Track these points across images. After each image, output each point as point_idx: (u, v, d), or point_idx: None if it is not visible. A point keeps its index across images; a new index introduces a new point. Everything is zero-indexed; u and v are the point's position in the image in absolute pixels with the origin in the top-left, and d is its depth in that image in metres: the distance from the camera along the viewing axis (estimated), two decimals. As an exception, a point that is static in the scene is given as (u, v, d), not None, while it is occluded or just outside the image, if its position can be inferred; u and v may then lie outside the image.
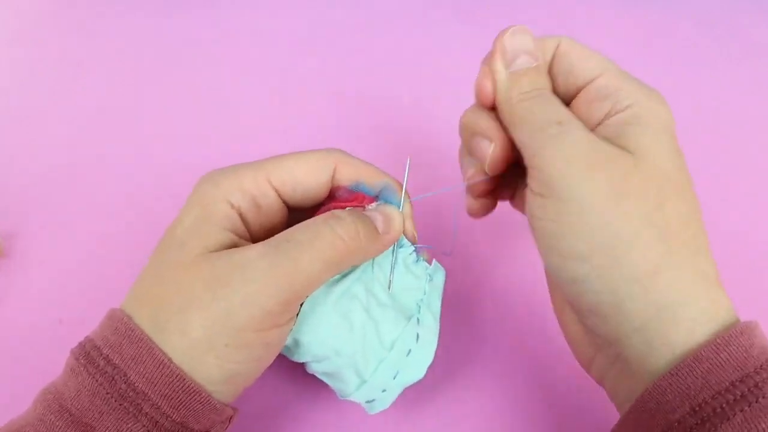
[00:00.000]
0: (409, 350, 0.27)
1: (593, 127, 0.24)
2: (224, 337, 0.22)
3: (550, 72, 0.26)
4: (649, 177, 0.22)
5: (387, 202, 0.27)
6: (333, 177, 0.26)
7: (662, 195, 0.22)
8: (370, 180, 0.27)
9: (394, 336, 0.27)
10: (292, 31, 0.58)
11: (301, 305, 0.25)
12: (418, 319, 0.28)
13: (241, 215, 0.25)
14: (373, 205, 0.27)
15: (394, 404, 0.27)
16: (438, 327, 0.28)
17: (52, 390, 0.23)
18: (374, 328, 0.26)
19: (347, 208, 0.26)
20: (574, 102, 0.26)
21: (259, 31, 0.58)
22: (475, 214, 0.30)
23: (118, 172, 0.44)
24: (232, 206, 0.24)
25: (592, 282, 0.22)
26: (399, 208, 0.27)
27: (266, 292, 0.22)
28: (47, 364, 0.31)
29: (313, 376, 0.28)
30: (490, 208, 0.30)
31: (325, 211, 0.26)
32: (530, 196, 0.24)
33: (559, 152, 0.22)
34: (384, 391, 0.27)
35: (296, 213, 0.27)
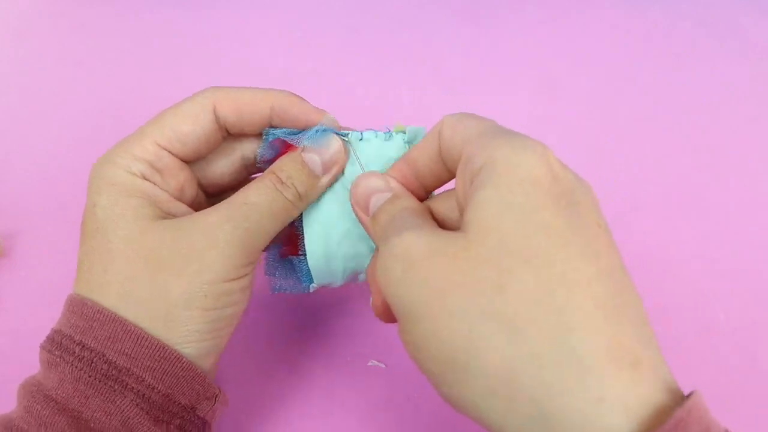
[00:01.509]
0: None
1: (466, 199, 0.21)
2: (202, 289, 0.23)
3: (447, 165, 0.24)
4: (483, 258, 0.18)
5: (313, 130, 0.27)
6: (216, 117, 0.26)
7: (499, 277, 0.18)
8: (256, 107, 0.27)
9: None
10: (292, 30, 0.58)
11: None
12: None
13: (145, 179, 0.25)
14: (303, 143, 0.26)
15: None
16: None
17: (34, 383, 0.23)
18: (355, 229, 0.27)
19: (284, 157, 0.27)
20: (456, 182, 0.23)
21: (259, 30, 0.58)
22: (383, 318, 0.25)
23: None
24: (135, 175, 0.25)
25: (463, 406, 0.19)
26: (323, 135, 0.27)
27: (233, 250, 0.24)
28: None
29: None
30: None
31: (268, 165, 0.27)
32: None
33: (378, 264, 0.21)
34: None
35: (198, 164, 0.28)
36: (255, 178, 0.28)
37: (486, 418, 0.18)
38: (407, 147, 0.28)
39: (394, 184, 0.25)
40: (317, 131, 0.27)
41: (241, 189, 0.26)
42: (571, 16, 0.59)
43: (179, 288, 0.23)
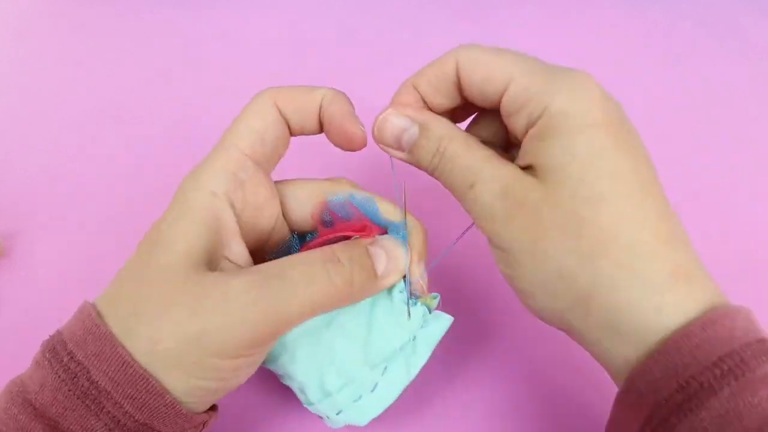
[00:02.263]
0: (360, 396, 0.26)
1: (521, 141, 0.23)
2: (193, 356, 0.21)
3: (464, 93, 0.25)
4: (560, 206, 0.22)
5: (395, 231, 0.26)
6: (280, 113, 0.26)
7: (577, 221, 0.21)
8: (309, 101, 0.26)
9: (351, 376, 0.26)
10: (291, 29, 0.58)
11: None
12: (385, 368, 0.26)
13: (228, 199, 0.24)
14: (378, 237, 0.25)
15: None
16: (408, 380, 0.26)
17: (18, 382, 0.23)
18: (337, 367, 0.26)
19: (349, 242, 0.24)
20: (504, 120, 0.24)
21: (258, 29, 0.58)
22: None
23: (119, 172, 0.44)
24: (216, 196, 0.24)
25: (545, 312, 0.24)
26: (403, 237, 0.26)
27: (245, 326, 0.22)
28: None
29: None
30: None
31: (325, 238, 0.25)
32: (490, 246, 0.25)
33: (480, 215, 0.23)
34: (328, 417, 0.27)
35: (286, 201, 0.27)
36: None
37: (569, 326, 0.23)
38: (418, 332, 0.27)
39: (416, 115, 0.25)
40: (396, 233, 0.25)
41: (290, 256, 0.24)
42: (571, 16, 0.59)
43: (171, 343, 0.21)
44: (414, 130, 0.25)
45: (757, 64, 0.54)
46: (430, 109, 0.26)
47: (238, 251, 0.25)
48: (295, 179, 0.27)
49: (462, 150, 0.24)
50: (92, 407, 0.21)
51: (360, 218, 0.26)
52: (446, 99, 0.25)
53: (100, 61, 0.54)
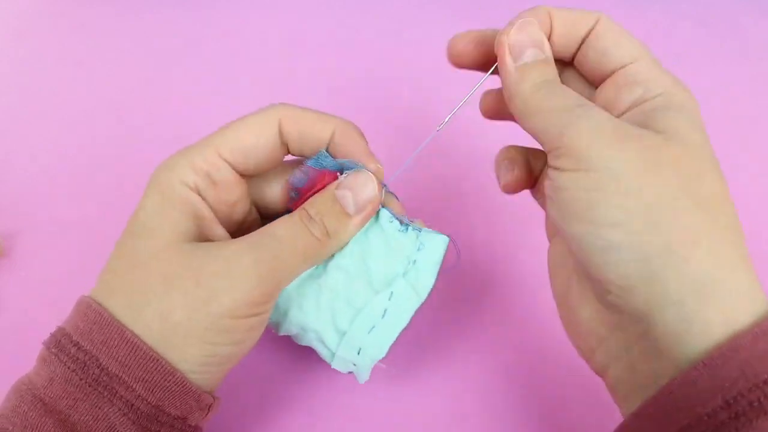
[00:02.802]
0: (373, 326, 0.26)
1: (619, 114, 0.24)
2: (205, 321, 0.22)
3: (582, 49, 0.26)
4: (681, 152, 0.22)
5: (352, 167, 0.26)
6: (281, 133, 0.26)
7: (697, 169, 0.22)
8: (317, 130, 0.26)
9: (359, 306, 0.26)
10: (292, 29, 0.58)
11: None
12: (391, 293, 0.26)
13: (199, 194, 0.25)
14: (340, 176, 0.26)
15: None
16: (418, 302, 0.27)
17: (25, 381, 0.23)
18: (344, 301, 0.26)
19: (318, 194, 0.26)
20: (602, 84, 0.25)
21: (258, 29, 0.58)
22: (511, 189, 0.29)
23: (119, 172, 0.44)
24: (189, 187, 0.25)
25: (626, 250, 0.21)
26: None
27: (248, 283, 0.23)
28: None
29: (300, 357, 0.29)
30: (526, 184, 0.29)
31: (301, 203, 0.26)
32: (556, 174, 0.23)
33: (588, 128, 0.22)
34: (355, 365, 0.27)
35: (257, 182, 0.28)
36: None
37: (655, 273, 0.20)
38: (416, 255, 0.27)
39: (547, 45, 0.25)
40: (355, 168, 0.26)
41: (270, 223, 0.25)
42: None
43: (182, 313, 0.22)
44: (539, 53, 0.25)
45: (757, 64, 0.54)
46: None
47: (221, 234, 0.26)
48: (230, 124, 0.27)
49: (569, 88, 0.24)
50: (105, 394, 0.22)
51: (317, 175, 0.26)
52: (566, 45, 0.26)
53: (101, 61, 0.54)
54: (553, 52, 0.25)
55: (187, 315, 0.22)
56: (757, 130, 0.48)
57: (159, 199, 0.24)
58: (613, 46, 0.25)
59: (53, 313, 0.33)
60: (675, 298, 0.20)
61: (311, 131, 0.26)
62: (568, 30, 0.25)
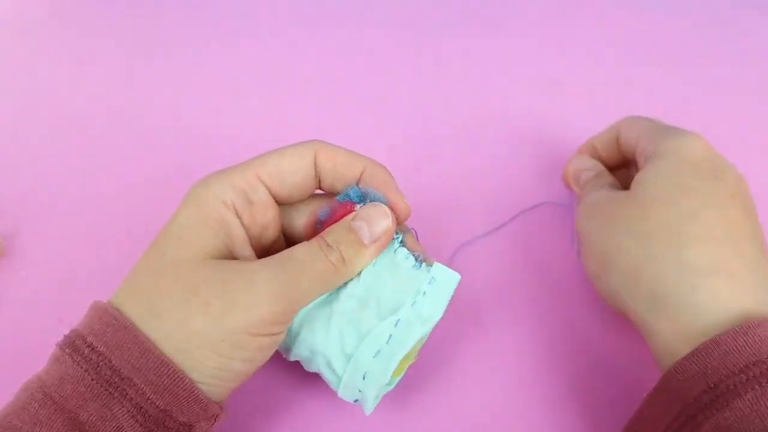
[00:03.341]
0: (378, 351, 0.26)
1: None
2: (221, 333, 0.23)
3: (623, 151, 0.35)
4: (634, 201, 0.29)
5: (374, 200, 0.27)
6: (316, 165, 0.28)
7: (643, 210, 0.28)
8: (349, 167, 0.28)
9: (365, 330, 0.26)
10: (297, 33, 0.58)
11: None
12: (398, 320, 0.26)
13: (235, 212, 0.26)
14: (357, 207, 0.27)
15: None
16: (424, 331, 0.27)
17: (35, 380, 0.23)
18: (353, 326, 0.26)
19: (335, 225, 0.27)
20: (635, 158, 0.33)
21: (263, 31, 0.58)
22: None
23: (120, 173, 0.44)
24: (226, 205, 0.26)
25: (605, 291, 0.30)
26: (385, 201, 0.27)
27: (267, 300, 0.24)
28: (47, 364, 0.31)
29: (307, 378, 0.29)
30: None
31: (324, 228, 0.27)
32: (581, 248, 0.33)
33: (582, 209, 0.33)
34: (360, 391, 0.27)
35: (288, 211, 0.29)
36: None
37: (620, 301, 0.29)
38: (426, 287, 0.27)
39: (597, 164, 0.36)
40: (376, 200, 0.27)
41: (291, 247, 0.26)
42: (575, 16, 0.59)
43: (199, 323, 0.23)
44: (590, 174, 0.36)
45: (758, 64, 0.54)
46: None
47: (249, 254, 0.27)
48: (271, 152, 0.28)
49: (606, 181, 0.35)
50: (115, 395, 0.22)
51: (338, 206, 0.28)
52: (610, 153, 0.36)
53: (102, 62, 0.54)
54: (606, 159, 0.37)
55: (204, 325, 0.23)
56: (760, 131, 0.48)
57: (194, 213, 0.25)
58: (625, 138, 0.34)
59: (53, 313, 0.33)
60: (638, 316, 0.28)
61: (343, 167, 0.28)
62: (606, 145, 0.36)
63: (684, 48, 0.56)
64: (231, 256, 0.26)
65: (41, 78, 0.53)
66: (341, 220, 0.27)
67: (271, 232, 0.28)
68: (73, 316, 0.35)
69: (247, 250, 0.27)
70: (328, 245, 0.26)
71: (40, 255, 0.39)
